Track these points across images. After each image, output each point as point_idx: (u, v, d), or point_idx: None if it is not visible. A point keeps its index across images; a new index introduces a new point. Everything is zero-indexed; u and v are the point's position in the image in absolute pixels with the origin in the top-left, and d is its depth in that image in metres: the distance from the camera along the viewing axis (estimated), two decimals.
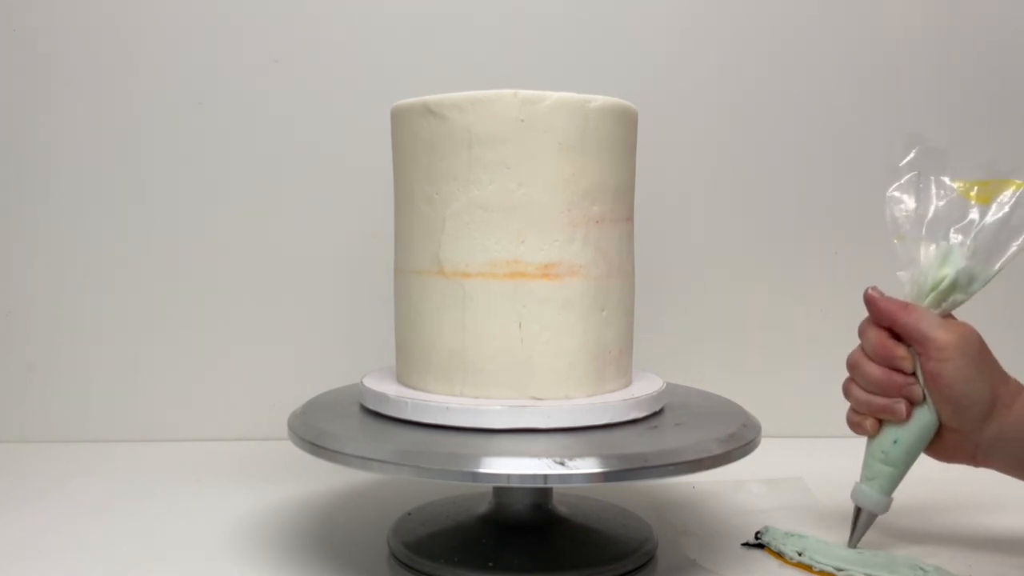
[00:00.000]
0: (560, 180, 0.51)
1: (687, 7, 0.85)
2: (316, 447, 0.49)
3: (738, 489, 0.68)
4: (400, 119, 0.54)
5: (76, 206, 0.83)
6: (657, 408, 0.54)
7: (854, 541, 0.56)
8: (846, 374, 0.75)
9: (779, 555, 0.55)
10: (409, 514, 0.60)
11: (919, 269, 0.54)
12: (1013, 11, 0.86)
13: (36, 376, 0.85)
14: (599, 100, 0.51)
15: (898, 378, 0.53)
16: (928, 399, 0.53)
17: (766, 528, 0.58)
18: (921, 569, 0.52)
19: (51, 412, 0.85)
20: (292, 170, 0.84)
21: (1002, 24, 0.86)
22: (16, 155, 0.83)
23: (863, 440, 0.57)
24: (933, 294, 0.54)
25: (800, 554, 0.54)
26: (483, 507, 0.58)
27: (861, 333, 0.56)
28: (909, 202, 0.55)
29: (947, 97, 0.86)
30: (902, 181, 0.55)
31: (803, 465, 0.74)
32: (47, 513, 0.64)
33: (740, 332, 0.87)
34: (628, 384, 0.56)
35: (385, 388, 0.54)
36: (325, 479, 0.71)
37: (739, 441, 0.50)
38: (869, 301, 0.55)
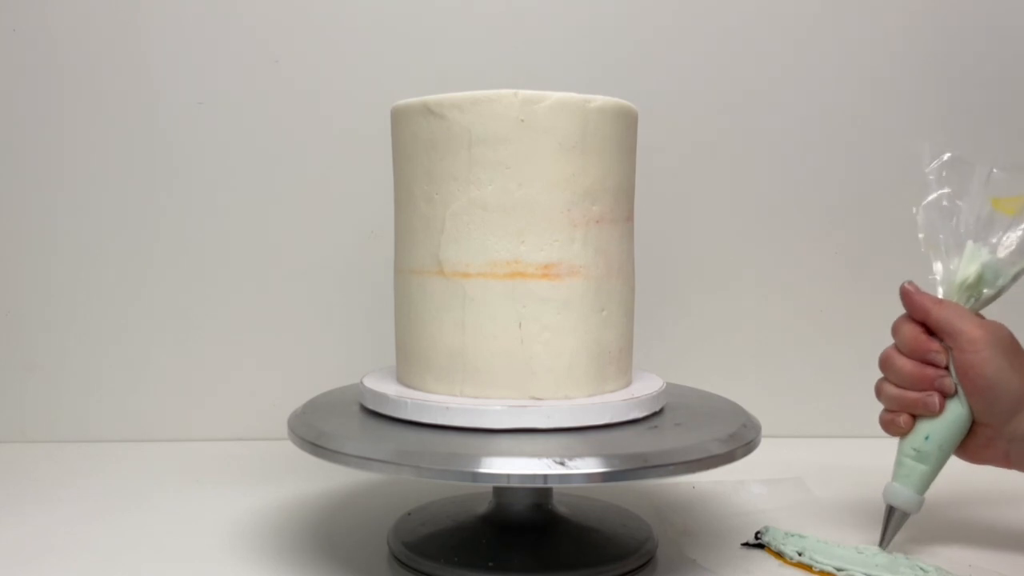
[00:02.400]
0: (560, 180, 0.51)
1: (688, 7, 0.85)
2: (316, 447, 0.49)
3: (738, 489, 0.68)
4: (400, 119, 0.54)
5: (76, 206, 0.83)
6: (657, 408, 0.54)
7: (886, 542, 0.56)
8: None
9: (779, 555, 0.55)
10: (409, 514, 0.60)
11: (949, 269, 0.56)
12: (1015, 8, 0.86)
13: (36, 376, 0.85)
14: (599, 100, 0.51)
15: (930, 371, 0.54)
16: (960, 392, 0.54)
17: (766, 528, 0.58)
18: (921, 569, 0.52)
19: (51, 412, 0.85)
20: (292, 170, 0.84)
21: (1004, 21, 0.86)
22: (15, 155, 0.83)
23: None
24: (962, 291, 0.56)
25: (800, 554, 0.54)
26: (483, 507, 0.58)
27: (895, 330, 0.57)
28: (939, 212, 0.56)
29: (948, 96, 0.86)
30: (933, 193, 0.57)
31: (803, 465, 0.74)
32: (47, 513, 0.64)
33: (740, 332, 0.87)
34: (628, 384, 0.56)
35: (385, 388, 0.54)
36: (325, 479, 0.71)
37: (739, 441, 0.49)
38: (904, 295, 0.56)
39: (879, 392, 0.57)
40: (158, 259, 0.84)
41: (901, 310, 0.90)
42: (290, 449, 0.52)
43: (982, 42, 0.86)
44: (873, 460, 0.80)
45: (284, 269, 0.85)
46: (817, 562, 0.53)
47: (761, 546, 0.57)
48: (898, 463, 0.56)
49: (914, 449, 0.55)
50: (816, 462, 0.77)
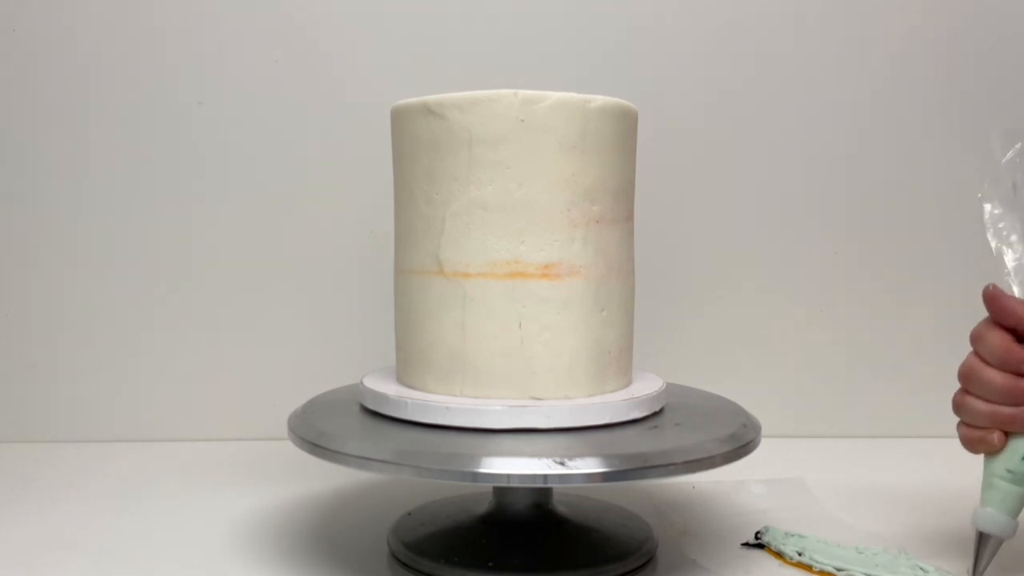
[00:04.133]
0: (560, 180, 0.51)
1: (688, 7, 0.85)
2: (316, 447, 0.49)
3: (738, 489, 0.68)
4: (400, 119, 0.54)
5: (76, 205, 0.83)
6: (657, 408, 0.54)
7: (980, 572, 0.51)
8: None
9: (779, 555, 0.55)
10: (409, 514, 0.60)
11: None
12: (1016, 8, 0.86)
13: (36, 376, 0.85)
14: (599, 100, 0.51)
15: None
16: None
17: (766, 528, 0.58)
18: (921, 569, 0.52)
19: (51, 412, 0.85)
20: (292, 170, 0.84)
21: (1008, 19, 0.86)
22: (16, 155, 0.83)
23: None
24: None
25: (800, 554, 0.54)
26: (483, 507, 0.58)
27: (977, 337, 0.51)
28: (1012, 204, 0.51)
29: (949, 96, 0.86)
30: (1006, 183, 0.51)
31: (803, 465, 0.74)
32: (47, 513, 0.64)
33: (740, 332, 0.87)
34: (628, 384, 0.56)
35: (385, 388, 0.54)
36: (325, 479, 0.71)
37: (739, 441, 0.49)
38: (990, 299, 0.50)
39: (960, 406, 0.51)
40: (157, 259, 0.84)
41: (898, 310, 0.90)
42: (290, 449, 0.52)
43: (985, 42, 0.86)
44: (873, 459, 0.80)
45: (284, 269, 0.85)
46: (817, 562, 0.53)
47: (761, 546, 0.57)
48: (989, 485, 0.50)
49: (1008, 470, 0.49)
50: (816, 462, 0.77)
